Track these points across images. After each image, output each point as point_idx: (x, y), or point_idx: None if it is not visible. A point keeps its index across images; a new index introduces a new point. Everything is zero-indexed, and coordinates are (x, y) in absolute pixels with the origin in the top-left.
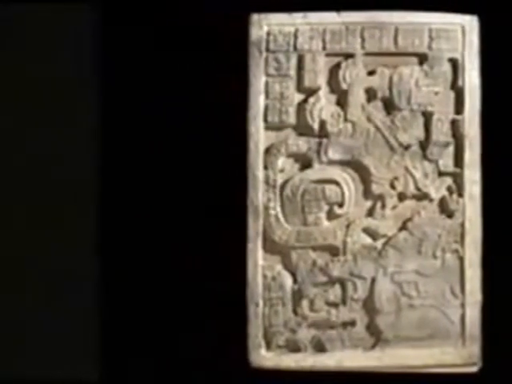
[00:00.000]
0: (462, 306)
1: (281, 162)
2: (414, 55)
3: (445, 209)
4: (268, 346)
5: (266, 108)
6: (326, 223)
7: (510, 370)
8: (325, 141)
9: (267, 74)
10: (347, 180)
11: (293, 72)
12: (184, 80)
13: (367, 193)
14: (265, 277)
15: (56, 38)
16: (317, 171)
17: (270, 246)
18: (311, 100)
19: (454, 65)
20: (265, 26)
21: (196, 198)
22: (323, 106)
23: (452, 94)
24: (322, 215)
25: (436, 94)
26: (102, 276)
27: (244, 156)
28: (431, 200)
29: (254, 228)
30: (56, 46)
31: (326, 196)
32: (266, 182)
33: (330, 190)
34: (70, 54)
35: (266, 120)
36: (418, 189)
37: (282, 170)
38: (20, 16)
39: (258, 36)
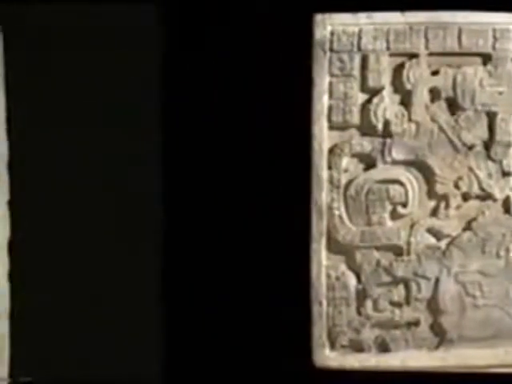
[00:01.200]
0: None
1: (345, 162)
2: (478, 55)
3: (509, 208)
4: (332, 346)
5: (330, 108)
6: (389, 223)
7: None
8: (389, 141)
9: (331, 74)
10: (411, 180)
11: (356, 72)
12: (248, 80)
13: (431, 193)
14: (329, 277)
15: (121, 38)
16: (381, 171)
17: (334, 246)
18: (375, 100)
19: None
20: (329, 25)
21: (260, 198)
22: (387, 106)
23: None
24: (386, 215)
25: (500, 94)
26: (165, 276)
27: (308, 156)
28: (495, 200)
29: (318, 228)
30: (121, 45)
31: (389, 196)
32: (330, 182)
33: (394, 190)
34: (134, 54)
35: (329, 120)
36: (481, 189)
37: (346, 170)
38: (84, 15)
39: (322, 36)
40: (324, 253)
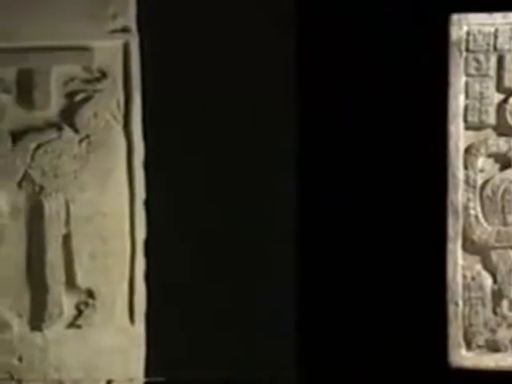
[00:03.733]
0: None
1: (481, 162)
2: None
3: None
4: (468, 346)
5: (466, 108)
6: None
7: None
8: None
9: (467, 74)
10: None
11: (492, 72)
12: (385, 80)
13: None
14: (464, 277)
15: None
16: None
17: (470, 246)
18: (511, 100)
19: None
20: (465, 26)
21: (396, 198)
22: None
23: None
24: None
25: None
26: (300, 276)
27: (444, 156)
28: None
29: (454, 228)
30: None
31: None
32: (466, 181)
33: None
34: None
35: (465, 120)
36: None
37: (481, 170)
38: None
39: (458, 36)
40: (460, 253)
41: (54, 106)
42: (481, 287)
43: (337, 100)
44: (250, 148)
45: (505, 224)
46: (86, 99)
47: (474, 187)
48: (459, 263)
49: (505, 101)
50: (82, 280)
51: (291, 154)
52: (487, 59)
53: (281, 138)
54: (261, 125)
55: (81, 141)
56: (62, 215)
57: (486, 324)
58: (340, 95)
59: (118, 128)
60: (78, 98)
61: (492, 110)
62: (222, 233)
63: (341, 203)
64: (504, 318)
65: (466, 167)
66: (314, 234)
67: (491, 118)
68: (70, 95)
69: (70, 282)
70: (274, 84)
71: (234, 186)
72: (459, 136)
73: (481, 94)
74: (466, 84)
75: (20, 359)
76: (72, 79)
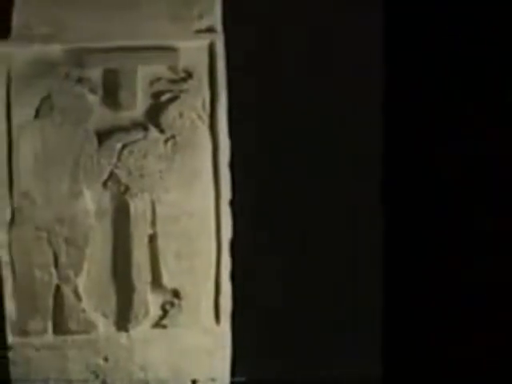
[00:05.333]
0: None
1: None
2: None
3: None
4: None
5: None
6: None
7: None
8: None
9: None
10: None
11: None
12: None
13: None
14: None
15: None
16: None
17: None
18: None
19: None
20: None
21: (491, 199)
22: None
23: None
24: None
25: None
26: (386, 273)
27: None
28: None
29: None
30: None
31: None
32: None
33: None
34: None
35: None
36: None
37: None
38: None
39: None
40: None
41: (140, 106)
42: None
43: (425, 100)
44: (336, 146)
45: None
46: (172, 99)
47: None
48: None
49: None
50: (167, 280)
51: (377, 153)
52: None
53: (368, 137)
54: (346, 123)
55: (166, 141)
56: (148, 215)
57: None
58: (429, 96)
59: (204, 128)
60: (164, 98)
61: None
62: (307, 232)
63: (429, 206)
64: None
65: None
66: (400, 233)
67: None
68: (156, 95)
69: (156, 282)
70: (361, 83)
71: (320, 184)
72: None
73: None
74: None
75: (106, 359)
76: (158, 79)
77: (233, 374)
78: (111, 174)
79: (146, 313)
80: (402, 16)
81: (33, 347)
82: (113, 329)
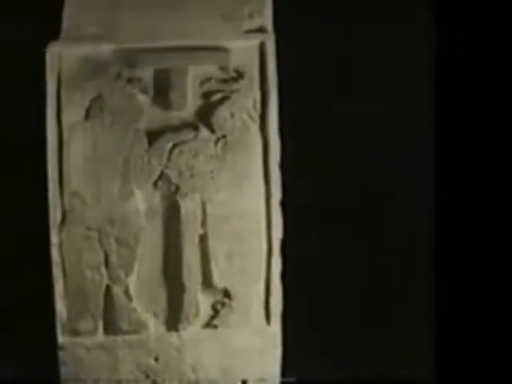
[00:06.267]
0: None
1: None
2: None
3: None
4: None
5: None
6: None
7: None
8: None
9: None
10: None
11: None
12: None
13: None
14: None
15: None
16: None
17: None
18: None
19: None
20: None
21: None
22: None
23: None
24: None
25: None
26: (438, 273)
27: None
28: None
29: None
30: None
31: None
32: None
33: None
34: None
35: None
36: None
37: None
38: None
39: None
40: None
41: (191, 106)
42: None
43: (474, 98)
44: (385, 146)
45: None
46: (223, 99)
47: None
48: None
49: None
50: (218, 280)
51: (429, 152)
52: None
53: (418, 137)
54: (397, 123)
55: (217, 141)
56: (199, 215)
57: None
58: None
59: (255, 128)
60: (215, 98)
61: None
62: (358, 231)
63: (481, 206)
64: None
65: None
66: (451, 232)
67: None
68: (207, 95)
69: (207, 282)
70: (411, 87)
71: (370, 183)
72: None
73: None
74: None
75: (156, 359)
76: (208, 79)
77: (283, 374)
78: (162, 174)
79: (197, 313)
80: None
81: (83, 347)
82: (163, 329)
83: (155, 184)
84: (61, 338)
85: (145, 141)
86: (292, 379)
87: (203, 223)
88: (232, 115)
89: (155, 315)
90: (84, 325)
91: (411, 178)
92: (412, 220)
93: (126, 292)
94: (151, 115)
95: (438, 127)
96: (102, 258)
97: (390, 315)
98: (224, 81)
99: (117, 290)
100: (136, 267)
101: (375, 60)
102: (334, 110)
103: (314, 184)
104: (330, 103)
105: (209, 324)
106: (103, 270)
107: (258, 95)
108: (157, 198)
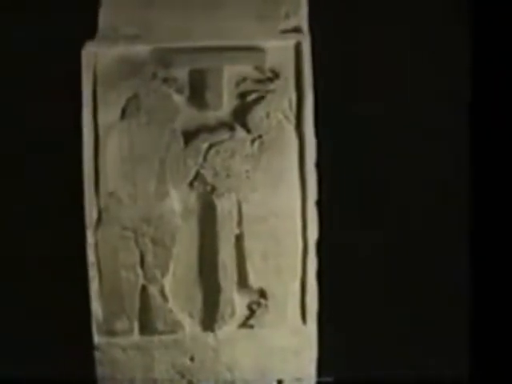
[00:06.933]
0: None
1: None
2: None
3: None
4: None
5: None
6: None
7: None
8: None
9: None
10: None
11: None
12: None
13: None
14: None
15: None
16: None
17: None
18: None
19: None
20: None
21: None
22: None
23: None
24: None
25: None
26: (474, 273)
27: None
28: None
29: None
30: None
31: None
32: None
33: None
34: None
35: None
36: None
37: None
38: None
39: None
40: None
41: (226, 106)
42: None
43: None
44: (422, 148)
45: None
46: (258, 99)
47: None
48: None
49: None
50: (254, 280)
51: (464, 154)
52: None
53: (453, 140)
54: (434, 125)
55: (253, 141)
56: (235, 215)
57: None
58: None
59: (290, 128)
60: (250, 98)
61: None
62: (394, 231)
63: None
64: None
65: None
66: (488, 229)
67: None
68: (242, 95)
69: (242, 282)
70: (448, 86)
71: (404, 185)
72: None
73: None
74: None
75: (192, 359)
76: (244, 79)
77: (319, 373)
78: (197, 174)
79: (233, 313)
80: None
81: (119, 347)
82: (199, 329)
83: (191, 184)
84: (97, 338)
85: (181, 141)
86: (329, 379)
87: (239, 223)
88: (267, 115)
89: (191, 315)
90: (120, 325)
91: (446, 178)
92: (448, 213)
93: (162, 292)
94: (187, 115)
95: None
96: (137, 258)
97: (427, 313)
98: (259, 81)
99: (152, 290)
100: (172, 267)
101: (408, 59)
102: (370, 109)
103: (350, 183)
104: (366, 102)
105: (244, 324)
106: (139, 270)
107: (293, 95)
108: (192, 198)
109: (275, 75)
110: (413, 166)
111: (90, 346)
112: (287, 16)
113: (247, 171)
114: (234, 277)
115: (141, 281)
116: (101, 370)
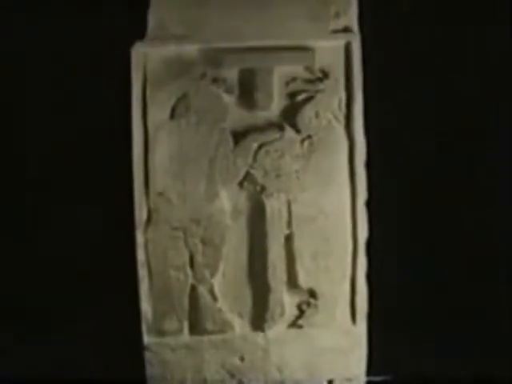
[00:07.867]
0: None
1: None
2: None
3: None
4: None
5: None
6: None
7: None
8: None
9: None
10: None
11: None
12: None
13: None
14: None
15: None
16: None
17: None
18: None
19: None
20: None
21: None
22: None
23: None
24: None
25: None
26: None
27: None
28: None
29: None
30: None
31: None
32: None
33: None
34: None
35: None
36: None
37: None
38: None
39: None
40: None
41: (276, 106)
42: None
43: None
44: (471, 146)
45: None
46: (308, 99)
47: None
48: None
49: None
50: (303, 280)
51: None
52: None
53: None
54: (484, 121)
55: (303, 141)
56: (284, 215)
57: None
58: None
59: (340, 128)
60: (300, 98)
61: None
62: (444, 232)
63: None
64: None
65: None
66: None
67: None
68: (292, 95)
69: (292, 282)
70: (499, 86)
71: (456, 185)
72: None
73: None
74: None
75: (242, 359)
76: (294, 79)
77: (369, 373)
78: (247, 174)
79: (282, 313)
80: None
81: (169, 347)
82: (249, 329)
83: (240, 184)
84: (146, 339)
85: (230, 141)
86: (379, 378)
87: (289, 223)
88: (317, 115)
89: (240, 315)
90: (169, 325)
91: (499, 180)
92: (492, 217)
93: (211, 292)
94: (236, 115)
95: None
96: (187, 258)
97: (475, 312)
98: (309, 81)
99: (202, 290)
100: (221, 267)
101: (458, 59)
102: (421, 109)
103: (400, 183)
104: (418, 102)
105: (294, 324)
106: (188, 269)
107: (343, 95)
108: (242, 198)
109: (325, 75)
110: (463, 162)
111: (140, 347)
112: (337, 16)
113: (297, 171)
114: (284, 277)
115: (190, 281)
116: (150, 370)
